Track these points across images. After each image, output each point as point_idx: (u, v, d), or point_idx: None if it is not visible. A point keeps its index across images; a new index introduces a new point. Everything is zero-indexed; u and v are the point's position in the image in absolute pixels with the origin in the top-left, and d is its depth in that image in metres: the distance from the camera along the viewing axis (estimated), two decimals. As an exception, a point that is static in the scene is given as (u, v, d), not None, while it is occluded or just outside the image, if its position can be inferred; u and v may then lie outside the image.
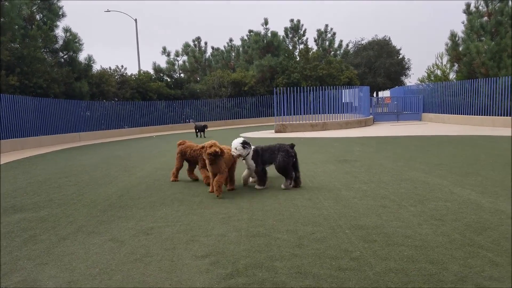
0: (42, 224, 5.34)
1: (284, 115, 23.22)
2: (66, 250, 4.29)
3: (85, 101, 26.67)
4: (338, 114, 24.22)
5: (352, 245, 3.98)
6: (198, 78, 42.51)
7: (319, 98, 24.80)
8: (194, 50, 43.02)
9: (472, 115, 22.08)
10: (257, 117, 36.44)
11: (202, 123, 21.88)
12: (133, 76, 33.73)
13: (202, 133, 21.99)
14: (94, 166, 11.24)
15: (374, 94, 56.13)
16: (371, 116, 26.95)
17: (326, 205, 5.65)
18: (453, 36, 26.20)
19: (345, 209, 5.36)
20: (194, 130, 22.58)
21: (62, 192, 7.53)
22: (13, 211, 6.22)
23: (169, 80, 39.20)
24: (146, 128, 31.15)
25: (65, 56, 26.53)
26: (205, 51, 44.67)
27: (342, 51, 48.02)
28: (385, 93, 57.59)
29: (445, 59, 29.45)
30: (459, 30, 32.88)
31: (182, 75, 41.65)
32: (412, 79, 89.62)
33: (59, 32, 26.00)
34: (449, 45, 26.65)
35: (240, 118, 36.53)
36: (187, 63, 42.21)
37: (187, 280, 3.39)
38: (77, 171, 10.31)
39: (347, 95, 25.77)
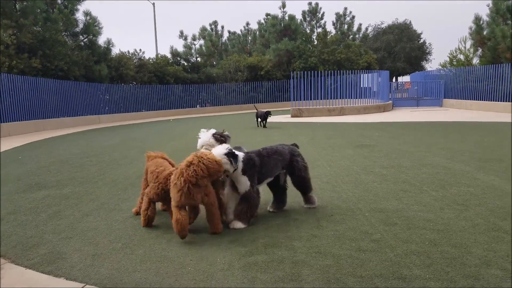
0: (66, 201, 5.46)
1: (300, 99, 23.06)
2: (90, 225, 4.39)
3: (104, 84, 26.95)
4: (356, 99, 23.93)
5: (372, 228, 3.97)
6: (214, 62, 42.45)
7: (336, 82, 24.51)
8: (211, 34, 42.90)
9: (495, 101, 21.55)
10: (273, 101, 36.27)
11: (264, 110, 17.45)
12: (150, 60, 33.84)
13: (264, 122, 17.10)
14: (114, 148, 11.40)
15: (394, 79, 55.19)
16: (390, 102, 26.55)
17: (345, 188, 5.63)
18: (477, 19, 25.48)
19: (365, 193, 5.33)
20: (255, 118, 17.53)
21: (84, 171, 7.67)
22: (38, 188, 6.37)
23: (186, 64, 39.24)
24: (163, 112, 31.34)
25: (85, 40, 26.76)
26: (221, 35, 44.52)
27: (361, 35, 47.25)
28: (404, 78, 56.63)
29: (469, 43, 28.79)
30: (484, 13, 32.01)
31: (198, 59, 41.64)
32: (433, 64, 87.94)
33: (79, 15, 26.23)
34: (473, 29, 25.95)
35: (256, 103, 36.42)
36: (203, 47, 42.16)
37: (207, 256, 3.43)
38: (97, 152, 10.48)
39: (366, 80, 25.40)
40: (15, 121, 18.23)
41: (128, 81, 30.55)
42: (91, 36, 26.66)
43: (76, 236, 4.07)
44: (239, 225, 4.04)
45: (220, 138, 4.58)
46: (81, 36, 26.51)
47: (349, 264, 3.15)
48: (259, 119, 17.25)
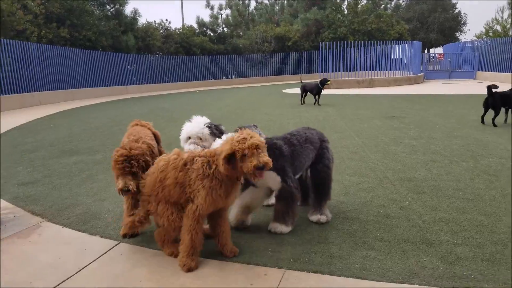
0: (98, 166, 5.64)
1: (329, 71, 22.66)
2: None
3: (131, 55, 27.14)
4: (386, 71, 23.33)
5: (400, 196, 3.95)
6: (241, 33, 41.96)
7: (366, 53, 23.89)
8: (237, 4, 42.23)
9: (532, 74, 20.61)
10: (301, 73, 35.78)
11: (313, 81, 13.67)
12: (177, 31, 33.75)
13: (317, 97, 13.33)
14: (142, 117, 11.55)
15: (426, 51, 53.35)
16: (421, 74, 25.80)
17: (373, 158, 5.59)
18: (517, -13, 24.10)
19: (393, 163, 5.28)
20: (301, 93, 13.79)
21: (114, 138, 7.86)
22: (70, 154, 6.59)
23: (212, 34, 38.95)
24: (189, 83, 31.43)
25: (111, 9, 26.84)
26: (248, 5, 43.74)
27: (393, 5, 45.57)
28: (437, 50, 54.64)
29: (507, 13, 27.37)
30: (525, -19, 30.14)
31: (225, 29, 41.24)
32: (467, 36, 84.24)
33: (106, -16, 26.20)
34: (512, -3, 24.59)
35: (283, 75, 36.02)
36: (230, 17, 41.62)
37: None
38: (127, 121, 10.65)
39: (397, 51, 24.66)
40: (45, 90, 18.69)
41: (154, 52, 30.67)
42: (118, 6, 26.70)
43: (108, 198, 4.22)
44: (283, 228, 3.19)
45: (215, 131, 3.36)
46: (107, 6, 26.60)
47: (376, 229, 3.17)
48: (305, 94, 13.66)
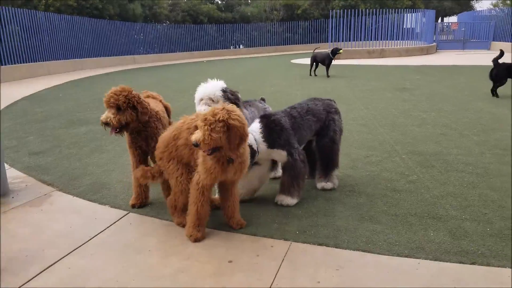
0: (107, 137, 5.66)
1: (339, 41, 22.23)
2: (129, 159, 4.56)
3: (138, 24, 26.79)
4: (398, 41, 22.83)
5: (408, 169, 3.93)
6: (249, 1, 41.09)
7: (378, 22, 23.33)
8: (247, -29, 41.17)
9: (548, 45, 20.05)
10: (310, 43, 35.13)
11: (324, 51, 13.21)
12: (184, -2, 33.17)
13: (326, 69, 12.87)
14: (150, 87, 11.48)
15: (439, 20, 51.98)
16: (434, 44, 25.20)
17: (382, 131, 5.54)
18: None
19: (402, 136, 5.24)
20: (310, 63, 13.24)
21: (122, 109, 7.87)
22: (79, 124, 6.62)
23: (220, 2, 38.21)
24: (196, 53, 31.10)
25: (118, -24, 26.32)
26: (258, -28, 42.64)
27: (406, -28, 43.98)
28: (451, 19, 53.25)
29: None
30: None
31: (233, -3, 40.36)
32: (483, 4, 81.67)
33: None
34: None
35: (292, 44, 35.43)
36: (239, -15, 40.69)
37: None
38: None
39: (409, 20, 24.03)
40: (54, 60, 18.63)
41: (161, 21, 30.25)
42: (125, -27, 26.17)
43: (117, 168, 4.26)
44: (288, 201, 3.16)
45: (230, 96, 3.18)
46: (115, -27, 26.06)
47: (384, 203, 3.17)
48: (316, 65, 13.14)
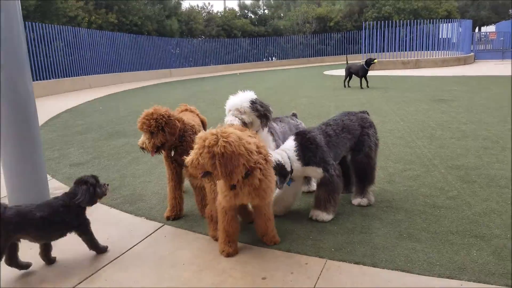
0: (143, 149, 5.79)
1: (372, 52, 21.97)
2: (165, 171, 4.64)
3: (175, 39, 27.54)
4: (434, 51, 22.32)
5: (448, 185, 3.79)
6: (282, 14, 41.39)
7: (412, 33, 22.92)
8: (279, -16, 41.58)
9: None
10: (342, 54, 34.86)
11: (359, 61, 13.07)
12: (219, 14, 33.83)
13: (363, 80, 12.70)
14: (185, 100, 11.74)
15: (476, 29, 50.47)
16: (471, 54, 24.49)
17: (419, 144, 5.39)
18: None
19: (441, 149, 5.07)
20: (344, 74, 13.11)
21: (158, 122, 8.05)
22: (118, 136, 6.82)
23: (253, 17, 38.70)
24: (230, 66, 31.51)
25: (156, -6, 27.24)
26: (291, -15, 42.97)
27: (442, -19, 43.13)
28: (489, 28, 51.57)
29: None
30: None
31: (266, 11, 40.82)
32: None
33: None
34: None
35: (324, 56, 35.31)
36: (272, -1, 41.14)
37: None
38: (171, 103, 10.83)
39: (445, 30, 23.49)
40: (95, 74, 19.36)
41: (197, 35, 30.91)
42: (163, -10, 27.05)
43: (153, 180, 4.34)
44: (324, 216, 3.09)
45: (259, 108, 3.06)
46: (153, -9, 26.99)
47: (423, 220, 3.06)
48: (350, 77, 12.99)
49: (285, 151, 2.99)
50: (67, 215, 2.55)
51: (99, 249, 2.75)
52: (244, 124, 3.00)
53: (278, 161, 2.88)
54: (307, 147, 3.03)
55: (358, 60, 21.90)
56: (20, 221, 2.37)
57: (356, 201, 3.41)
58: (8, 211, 2.35)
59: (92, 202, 2.63)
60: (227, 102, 3.14)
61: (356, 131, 3.36)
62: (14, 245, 2.47)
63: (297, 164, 3.00)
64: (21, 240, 2.49)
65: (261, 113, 3.05)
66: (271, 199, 2.70)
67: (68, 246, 2.89)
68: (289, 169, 2.95)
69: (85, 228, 2.67)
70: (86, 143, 6.42)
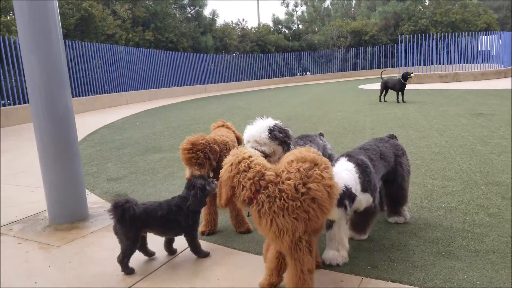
0: (179, 163, 5.91)
1: (409, 65, 21.62)
2: (200, 187, 4.72)
3: (210, 55, 28.11)
4: (473, 64, 21.70)
5: (488, 201, 3.66)
6: (316, 29, 41.51)
7: (450, 46, 22.41)
8: (313, 0, 41.82)
9: None
10: (378, 68, 34.49)
11: (396, 77, 12.83)
12: (253, 29, 34.30)
13: (400, 94, 12.45)
14: (220, 115, 11.95)
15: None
16: (512, 66, 23.65)
17: (458, 159, 5.23)
18: None
19: (481, 165, 4.91)
20: (381, 89, 12.93)
21: (193, 137, 8.21)
22: (154, 151, 6.99)
23: (287, 32, 39.02)
24: (264, 81, 31.79)
25: (192, 12, 28.01)
26: (324, 0, 43.17)
27: (480, -7, 42.14)
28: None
29: None
30: None
31: (300, 26, 41.06)
32: None
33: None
34: None
35: (359, 70, 35.02)
36: (305, 14, 41.38)
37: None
38: (205, 119, 11.09)
39: (484, 42, 22.83)
40: (132, 90, 20.01)
41: (231, 51, 31.44)
42: (198, 8, 27.82)
43: (188, 195, 4.41)
44: (360, 236, 3.00)
45: (279, 135, 2.91)
46: (188, 8, 27.79)
47: (462, 237, 2.97)
48: (386, 91, 12.80)
49: (348, 172, 2.64)
50: (180, 215, 2.79)
51: (201, 254, 2.93)
52: (266, 155, 2.83)
53: (347, 185, 2.50)
54: (365, 170, 2.74)
55: (394, 73, 21.60)
56: (146, 218, 2.70)
57: (392, 219, 3.32)
58: (137, 209, 2.67)
59: (201, 205, 2.86)
60: (245, 132, 3.00)
61: (391, 159, 3.17)
62: (143, 238, 2.86)
63: (358, 190, 2.64)
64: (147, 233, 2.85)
65: (281, 140, 2.90)
66: (299, 242, 2.14)
67: (106, 258, 2.98)
68: (354, 192, 2.57)
69: (192, 230, 2.87)
70: (123, 158, 6.62)
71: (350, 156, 2.81)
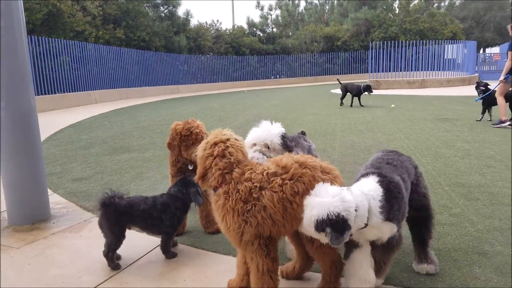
0: (147, 164, 5.82)
1: (379, 71, 22.10)
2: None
3: (183, 55, 27.86)
4: (439, 72, 22.40)
5: (452, 202, 3.77)
6: (290, 33, 41.89)
7: (418, 53, 23.06)
8: (287, 4, 42.23)
9: None
10: (349, 73, 35.13)
11: (356, 83, 13.33)
12: (227, 31, 34.25)
13: (357, 99, 13.04)
14: (192, 116, 11.78)
15: (481, 51, 50.62)
16: (476, 74, 24.54)
17: (424, 161, 5.37)
18: None
19: (445, 167, 5.05)
20: (342, 93, 13.27)
21: (164, 137, 8.08)
22: (122, 151, 6.85)
23: (261, 34, 39.19)
24: (238, 83, 31.76)
25: (165, 11, 27.71)
26: (298, 5, 43.68)
27: (446, 3, 43.82)
28: (493, 50, 51.72)
29: None
30: None
31: (274, 29, 41.34)
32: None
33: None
34: None
35: (331, 74, 35.52)
36: (280, 17, 41.72)
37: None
38: (177, 119, 10.94)
39: (450, 50, 23.64)
40: (101, 89, 19.57)
41: (205, 52, 31.28)
42: (171, 7, 27.55)
43: (156, 195, 4.33)
44: (377, 282, 2.24)
45: (290, 144, 2.69)
46: (161, 7, 27.48)
47: (425, 237, 3.03)
48: (344, 95, 13.23)
49: (367, 198, 2.00)
50: (165, 214, 2.75)
51: (169, 254, 2.88)
52: None
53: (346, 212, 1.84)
54: (397, 197, 2.10)
55: (364, 79, 21.97)
56: (130, 211, 2.67)
57: (422, 267, 2.51)
58: (122, 202, 2.66)
59: (203, 199, 2.90)
60: (250, 133, 2.70)
61: (412, 170, 2.49)
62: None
63: (376, 219, 2.00)
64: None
65: (290, 150, 2.63)
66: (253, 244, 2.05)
67: (67, 260, 2.89)
68: (362, 224, 1.97)
69: (174, 230, 2.84)
70: (89, 158, 6.45)
71: (382, 177, 2.14)
